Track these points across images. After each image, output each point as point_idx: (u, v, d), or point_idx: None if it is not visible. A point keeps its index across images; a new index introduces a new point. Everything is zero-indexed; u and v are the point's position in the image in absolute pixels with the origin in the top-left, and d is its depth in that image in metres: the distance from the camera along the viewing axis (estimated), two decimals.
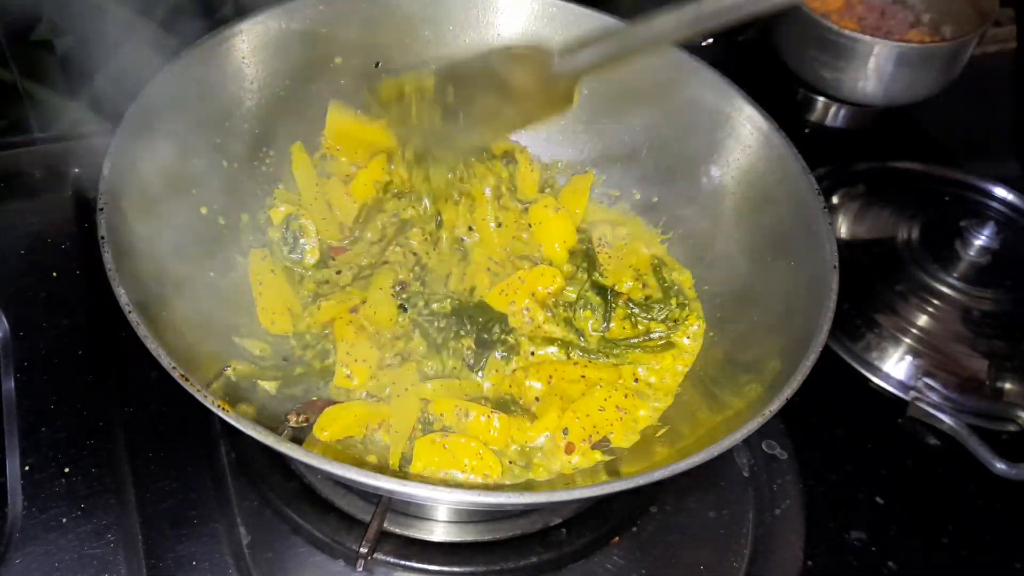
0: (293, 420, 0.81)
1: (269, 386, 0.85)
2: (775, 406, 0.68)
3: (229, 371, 0.79)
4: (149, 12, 1.10)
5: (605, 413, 0.86)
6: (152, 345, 0.66)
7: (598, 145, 1.06)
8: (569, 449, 0.85)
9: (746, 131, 0.94)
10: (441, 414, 0.85)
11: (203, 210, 0.90)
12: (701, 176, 0.98)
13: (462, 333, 0.90)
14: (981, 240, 1.14)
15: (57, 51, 1.09)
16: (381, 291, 0.91)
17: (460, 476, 0.80)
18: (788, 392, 0.69)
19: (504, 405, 0.88)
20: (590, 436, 0.85)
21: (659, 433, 0.86)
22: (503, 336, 0.92)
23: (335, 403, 0.84)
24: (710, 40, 1.29)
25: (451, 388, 0.88)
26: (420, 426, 0.84)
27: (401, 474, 0.79)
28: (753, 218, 0.93)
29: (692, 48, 1.02)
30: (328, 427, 0.80)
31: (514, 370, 0.90)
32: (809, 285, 0.81)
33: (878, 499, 0.95)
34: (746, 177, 0.94)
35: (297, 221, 0.95)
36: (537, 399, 0.88)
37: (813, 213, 0.85)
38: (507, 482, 0.82)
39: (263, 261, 0.93)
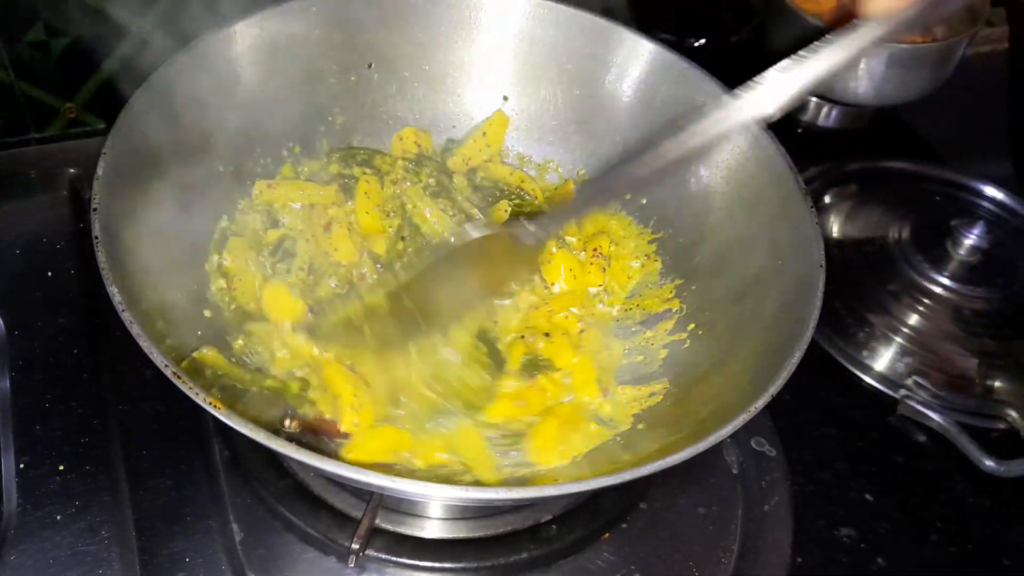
0: (288, 425, 0.82)
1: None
2: (760, 403, 0.69)
3: (196, 354, 0.79)
4: (144, 13, 1.11)
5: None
6: (145, 344, 0.66)
7: (589, 145, 1.06)
8: (605, 392, 0.89)
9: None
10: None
11: (196, 212, 0.90)
12: (690, 176, 0.99)
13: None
14: (972, 239, 1.15)
15: (52, 52, 1.10)
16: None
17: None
18: (773, 389, 0.70)
19: (532, 366, 0.91)
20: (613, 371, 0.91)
21: (641, 426, 0.87)
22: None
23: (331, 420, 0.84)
24: (702, 40, 1.29)
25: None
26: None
27: (395, 470, 0.80)
28: (741, 218, 0.94)
29: (683, 48, 1.03)
30: (354, 451, 0.81)
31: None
32: (796, 284, 0.82)
33: (868, 496, 0.96)
34: (735, 177, 0.95)
35: (294, 243, 0.94)
36: (547, 335, 0.92)
37: (800, 213, 0.85)
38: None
39: (242, 249, 0.93)
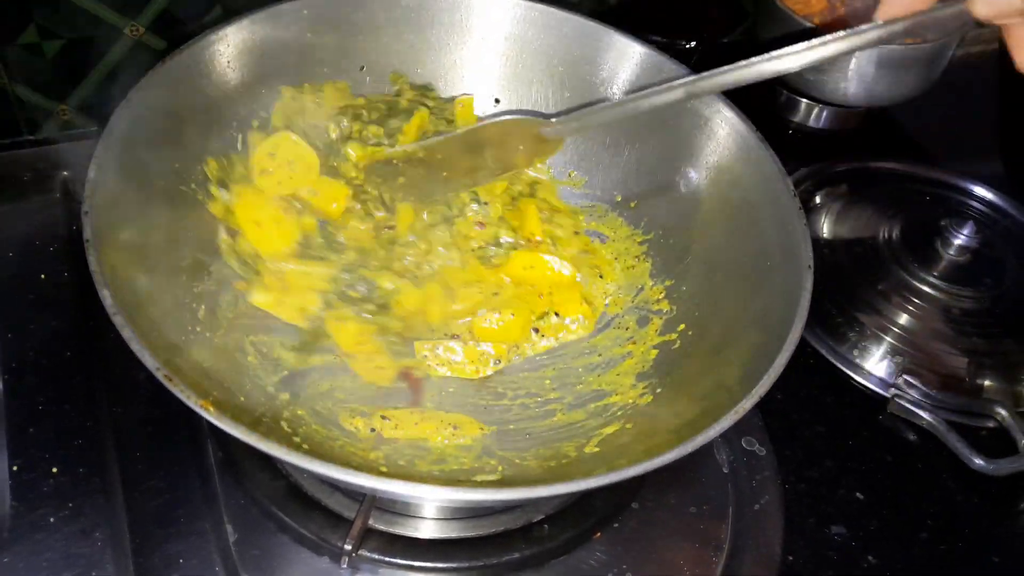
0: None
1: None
2: (748, 403, 0.70)
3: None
4: (136, 15, 1.11)
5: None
6: (137, 347, 0.66)
7: (580, 146, 1.07)
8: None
9: (724, 133, 0.95)
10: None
11: (191, 214, 0.90)
12: (680, 178, 0.99)
13: None
14: (961, 239, 1.16)
15: (45, 53, 1.10)
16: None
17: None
18: (762, 389, 0.70)
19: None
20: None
21: (629, 426, 0.87)
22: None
23: None
24: (693, 42, 1.30)
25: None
26: None
27: (383, 472, 0.80)
28: (730, 219, 0.95)
29: (674, 51, 1.03)
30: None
31: None
32: (785, 285, 0.82)
33: (858, 495, 0.96)
34: (724, 178, 0.95)
35: None
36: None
37: (789, 215, 0.86)
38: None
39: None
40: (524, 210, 1.03)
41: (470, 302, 0.95)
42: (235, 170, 0.95)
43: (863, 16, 1.37)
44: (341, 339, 0.90)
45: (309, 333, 0.90)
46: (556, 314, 0.98)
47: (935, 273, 1.15)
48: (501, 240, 1.00)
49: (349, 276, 0.94)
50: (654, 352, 0.95)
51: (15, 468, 0.84)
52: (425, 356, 0.93)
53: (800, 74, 1.32)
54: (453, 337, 0.94)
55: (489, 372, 0.94)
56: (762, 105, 1.38)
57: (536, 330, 0.97)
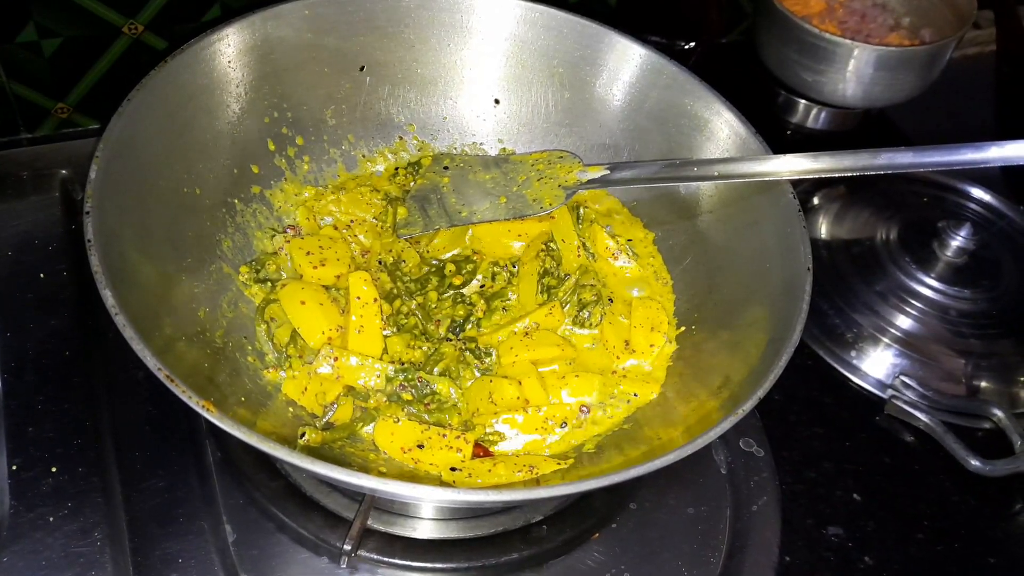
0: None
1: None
2: (748, 405, 0.70)
3: (301, 442, 0.80)
4: (134, 14, 1.11)
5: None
6: (139, 347, 0.67)
7: (580, 147, 1.07)
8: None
9: (724, 135, 0.95)
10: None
11: (191, 213, 0.91)
12: None
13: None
14: (958, 241, 1.16)
15: (44, 52, 1.10)
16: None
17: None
18: (761, 392, 0.71)
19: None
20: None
21: (627, 427, 0.88)
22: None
23: None
24: (692, 43, 1.30)
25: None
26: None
27: (382, 473, 0.81)
28: (730, 220, 0.95)
29: (673, 51, 1.03)
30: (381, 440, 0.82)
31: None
32: (784, 286, 0.83)
33: (855, 495, 0.97)
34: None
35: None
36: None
37: (788, 217, 0.86)
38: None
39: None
40: (593, 235, 1.02)
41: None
42: (267, 269, 0.95)
43: (860, 16, 1.38)
44: (382, 440, 0.84)
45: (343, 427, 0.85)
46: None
47: (932, 274, 1.16)
48: (588, 299, 0.96)
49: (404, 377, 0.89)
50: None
51: (14, 467, 0.84)
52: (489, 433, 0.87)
53: (798, 75, 1.33)
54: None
55: (556, 438, 0.87)
56: (760, 106, 1.38)
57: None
